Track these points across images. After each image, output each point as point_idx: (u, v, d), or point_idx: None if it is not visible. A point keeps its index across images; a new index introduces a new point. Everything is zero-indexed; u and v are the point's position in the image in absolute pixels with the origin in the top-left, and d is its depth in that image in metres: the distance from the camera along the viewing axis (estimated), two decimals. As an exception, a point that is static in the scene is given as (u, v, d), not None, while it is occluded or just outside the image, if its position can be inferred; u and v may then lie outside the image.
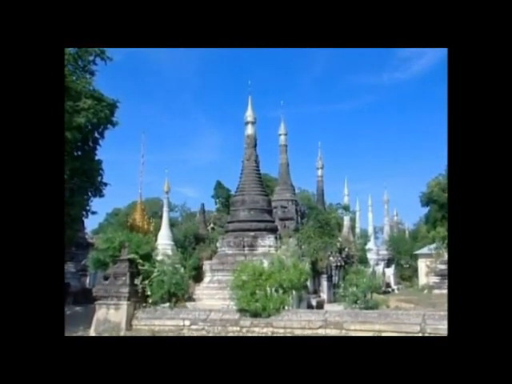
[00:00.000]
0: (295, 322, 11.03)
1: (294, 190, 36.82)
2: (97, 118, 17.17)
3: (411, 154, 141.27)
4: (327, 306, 20.28)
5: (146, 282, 13.32)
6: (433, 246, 35.12)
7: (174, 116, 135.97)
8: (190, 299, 19.24)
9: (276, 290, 12.01)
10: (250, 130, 26.87)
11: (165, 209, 34.01)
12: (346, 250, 30.88)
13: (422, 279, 41.83)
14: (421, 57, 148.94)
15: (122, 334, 12.29)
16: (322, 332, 10.62)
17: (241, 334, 11.25)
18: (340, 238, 31.99)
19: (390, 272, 45.68)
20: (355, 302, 15.52)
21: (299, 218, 32.25)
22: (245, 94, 28.21)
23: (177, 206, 62.50)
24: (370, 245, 48.54)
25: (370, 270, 32.03)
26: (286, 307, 11.92)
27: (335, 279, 26.84)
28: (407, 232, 65.87)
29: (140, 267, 13.60)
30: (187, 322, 12.09)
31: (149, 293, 13.18)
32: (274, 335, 10.94)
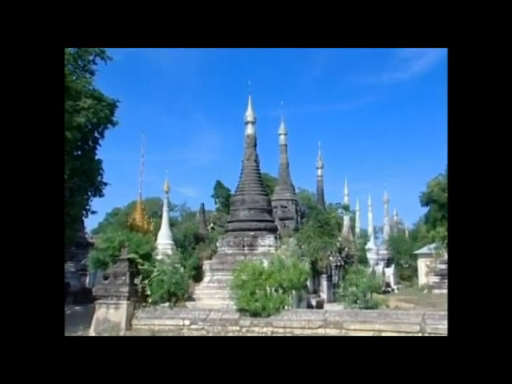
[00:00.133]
0: (295, 322, 11.03)
1: (293, 189, 36.82)
2: (97, 118, 17.17)
3: (411, 153, 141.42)
4: (327, 306, 20.27)
5: (146, 281, 13.32)
6: (432, 245, 35.09)
7: (174, 116, 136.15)
8: (190, 299, 19.25)
9: (276, 290, 12.01)
10: (249, 129, 26.86)
11: (165, 208, 34.03)
12: (346, 249, 30.89)
13: (422, 279, 41.81)
14: (421, 57, 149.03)
15: (121, 333, 12.29)
16: (321, 332, 10.62)
17: (240, 334, 11.26)
18: (340, 238, 31.99)
19: (389, 272, 45.67)
20: (355, 302, 15.51)
21: (299, 218, 32.25)
22: (245, 94, 28.25)
23: (177, 205, 62.59)
24: (370, 244, 48.53)
25: (370, 269, 32.02)
26: (286, 307, 11.92)
27: (335, 279, 26.84)
28: (407, 232, 65.87)
29: (140, 267, 13.61)
30: (187, 322, 12.10)
31: (148, 292, 13.19)
32: (274, 335, 10.94)
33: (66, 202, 14.45)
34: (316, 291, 24.72)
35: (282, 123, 35.97)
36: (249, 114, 26.90)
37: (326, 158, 50.55)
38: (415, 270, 46.97)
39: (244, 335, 11.16)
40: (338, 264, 27.75)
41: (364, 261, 35.82)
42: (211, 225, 39.56)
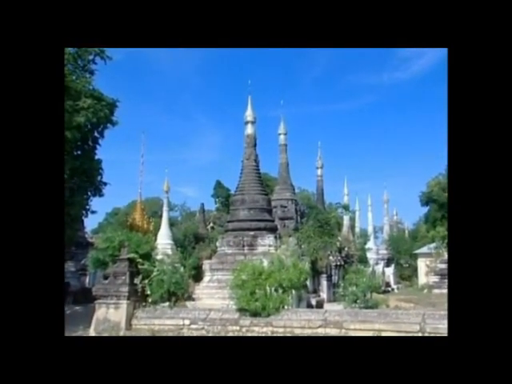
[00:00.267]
0: (295, 322, 11.03)
1: (293, 189, 36.82)
2: (96, 118, 17.17)
3: (411, 153, 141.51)
4: (327, 306, 20.27)
5: (146, 281, 13.32)
6: (432, 245, 35.09)
7: (174, 115, 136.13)
8: (190, 298, 19.26)
9: (276, 290, 12.01)
10: (249, 129, 26.85)
11: (164, 208, 34.05)
12: (346, 249, 30.90)
13: (422, 279, 41.80)
14: (421, 57, 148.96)
15: (121, 333, 12.29)
16: (321, 331, 10.62)
17: (240, 334, 11.26)
18: (340, 238, 32.01)
19: (389, 271, 45.68)
20: (355, 302, 15.53)
21: (299, 218, 32.25)
22: (245, 94, 28.25)
23: (176, 205, 62.64)
24: (370, 244, 48.55)
25: (370, 269, 32.02)
26: (286, 306, 11.92)
27: (335, 279, 26.86)
28: (407, 231, 65.86)
29: (140, 266, 13.61)
30: (187, 322, 12.10)
31: (148, 292, 13.19)
32: (274, 335, 10.95)
33: (66, 202, 14.45)
34: (316, 291, 24.73)
35: (282, 123, 35.97)
36: (249, 114, 26.89)
37: (326, 158, 50.75)
38: (415, 269, 46.96)
39: (244, 335, 11.17)
40: (338, 264, 27.76)
41: (364, 260, 35.84)
42: (211, 224, 39.58)
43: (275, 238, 24.50)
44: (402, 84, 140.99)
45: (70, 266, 27.35)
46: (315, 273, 24.49)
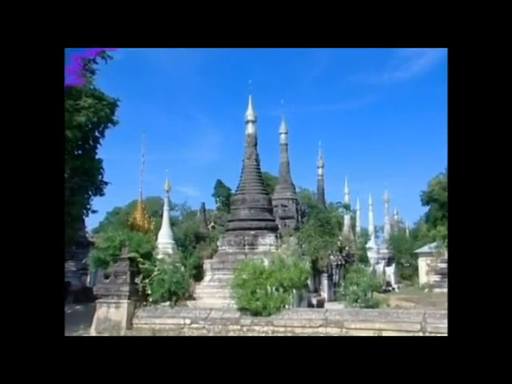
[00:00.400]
0: (296, 321, 11.04)
1: (294, 188, 36.84)
2: (97, 117, 17.18)
3: (412, 152, 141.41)
4: (328, 305, 20.28)
5: (147, 280, 13.34)
6: (433, 244, 35.09)
7: (175, 115, 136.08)
8: (191, 298, 19.25)
9: (276, 289, 12.01)
10: (250, 128, 26.84)
11: (165, 208, 34.08)
12: (347, 248, 30.91)
13: (423, 278, 41.81)
14: (421, 56, 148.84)
15: (122, 332, 12.31)
16: (322, 331, 10.63)
17: (241, 333, 11.27)
18: (340, 237, 32.00)
19: (390, 271, 45.71)
20: (356, 301, 15.50)
21: (300, 217, 32.25)
22: (245, 94, 28.23)
23: (177, 204, 62.67)
24: (371, 244, 48.52)
25: (371, 268, 32.06)
26: (287, 306, 11.93)
27: (336, 278, 26.88)
28: (407, 231, 65.86)
29: (140, 266, 13.63)
30: (188, 321, 12.11)
31: (149, 291, 13.20)
32: (275, 334, 10.95)
33: (67, 201, 14.47)
34: (317, 290, 24.75)
35: (283, 122, 35.96)
36: (249, 113, 26.87)
37: (327, 157, 50.77)
38: (416, 269, 47.00)
39: (245, 334, 11.18)
40: (339, 263, 27.78)
41: (365, 260, 35.85)
42: (212, 224, 39.58)
43: (276, 237, 24.50)
44: (402, 84, 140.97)
45: (70, 266, 27.37)
46: (316, 272, 24.51)
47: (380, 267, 42.29)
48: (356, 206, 52.03)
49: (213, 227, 38.71)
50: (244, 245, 24.13)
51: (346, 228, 42.67)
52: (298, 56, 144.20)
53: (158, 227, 32.19)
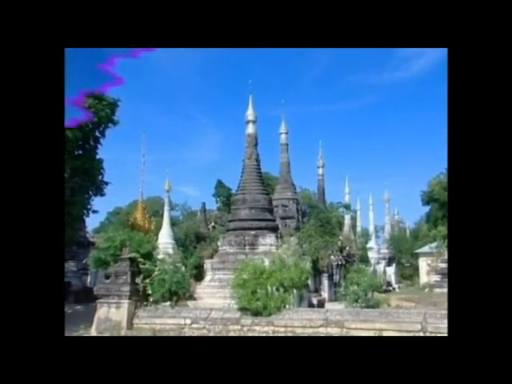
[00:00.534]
0: (296, 321, 11.05)
1: (294, 188, 36.82)
2: (98, 117, 17.19)
3: (412, 152, 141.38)
4: (328, 305, 20.28)
5: (147, 280, 13.35)
6: (434, 244, 35.10)
7: (175, 115, 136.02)
8: (191, 298, 19.25)
9: (277, 289, 12.02)
10: (250, 128, 26.82)
11: (166, 208, 34.07)
12: (347, 248, 30.91)
13: (423, 278, 41.82)
14: (421, 56, 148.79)
15: (122, 332, 12.32)
16: (322, 331, 10.63)
17: (242, 333, 11.28)
18: (341, 237, 31.98)
19: (390, 271, 45.69)
20: (356, 301, 15.50)
21: (300, 217, 32.24)
22: (245, 94, 28.23)
23: (178, 204, 62.67)
24: (371, 243, 48.44)
25: (371, 268, 32.07)
26: (287, 306, 11.94)
27: (336, 278, 26.88)
28: (408, 231, 65.82)
29: (141, 266, 13.64)
30: (188, 321, 12.12)
31: (150, 291, 13.22)
32: (275, 334, 10.96)
33: (68, 202, 14.49)
34: (317, 290, 24.75)
35: (283, 122, 35.92)
36: (249, 113, 26.86)
37: (327, 157, 50.75)
38: (416, 268, 47.00)
39: (245, 334, 11.18)
40: (339, 263, 27.78)
41: (365, 260, 35.82)
42: (212, 224, 39.58)
43: (276, 237, 24.49)
44: (402, 84, 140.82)
45: (71, 266, 27.40)
46: (316, 272, 24.51)
47: (380, 267, 42.27)
48: (356, 206, 52.03)
49: (213, 227, 38.72)
50: (244, 245, 24.13)
51: (346, 228, 42.63)
52: (298, 56, 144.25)
53: (159, 227, 32.19)
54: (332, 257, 27.05)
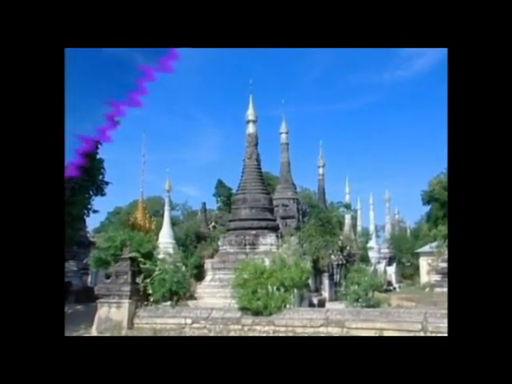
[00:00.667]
0: (297, 321, 11.06)
1: (295, 188, 36.81)
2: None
3: (413, 152, 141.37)
4: (329, 305, 20.29)
5: (148, 280, 13.36)
6: (434, 244, 35.10)
7: (175, 115, 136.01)
8: (192, 297, 19.28)
9: (277, 289, 12.03)
10: (251, 128, 26.83)
11: (166, 207, 34.09)
12: (348, 248, 30.93)
13: (424, 277, 41.85)
14: (421, 56, 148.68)
15: (123, 332, 12.33)
16: (323, 330, 10.64)
17: (242, 333, 11.29)
18: (341, 237, 31.99)
19: (391, 270, 45.69)
20: (357, 301, 15.52)
21: (300, 217, 32.23)
22: (245, 93, 28.27)
23: (178, 204, 62.76)
24: (372, 243, 48.41)
25: (372, 268, 32.09)
26: (288, 305, 11.95)
27: (337, 278, 26.89)
28: (408, 230, 65.80)
29: (141, 266, 13.65)
30: (189, 321, 12.13)
31: (150, 291, 13.23)
32: (276, 334, 10.96)
33: (68, 201, 14.50)
34: (318, 290, 24.77)
35: (283, 122, 35.86)
36: (250, 113, 26.86)
37: (328, 157, 50.67)
38: (417, 268, 47.03)
39: (246, 334, 11.19)
40: (340, 263, 27.80)
41: (365, 259, 35.83)
42: (213, 224, 39.61)
43: (277, 237, 24.50)
44: (402, 83, 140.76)
45: (71, 266, 27.43)
46: (317, 272, 24.53)
47: (381, 267, 42.27)
48: (357, 206, 52.00)
49: (214, 227, 38.75)
50: (245, 244, 24.14)
51: (346, 227, 42.63)
52: (298, 56, 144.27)
53: (159, 227, 32.21)
54: (332, 256, 27.06)
